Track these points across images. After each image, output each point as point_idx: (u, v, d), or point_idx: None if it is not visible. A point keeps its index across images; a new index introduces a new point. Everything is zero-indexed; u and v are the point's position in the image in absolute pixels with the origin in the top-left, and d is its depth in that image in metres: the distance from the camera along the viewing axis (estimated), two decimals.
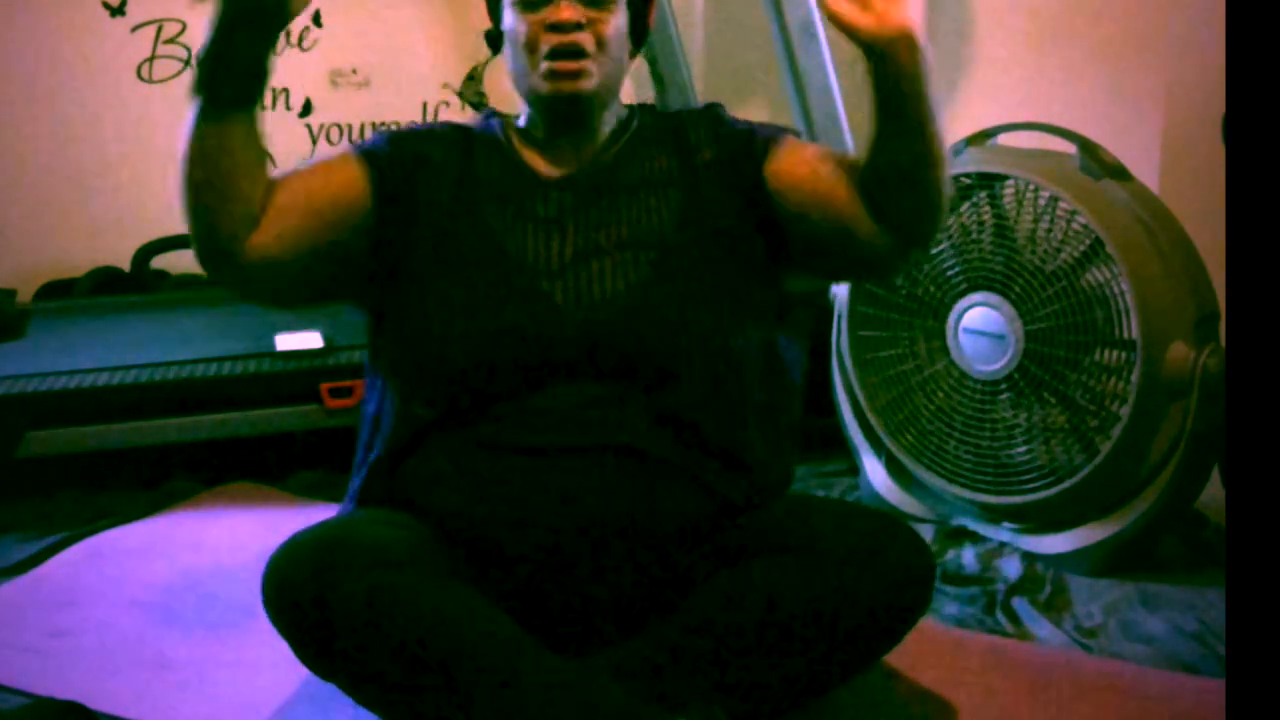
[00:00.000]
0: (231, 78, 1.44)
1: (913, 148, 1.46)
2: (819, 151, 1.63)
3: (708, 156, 1.61)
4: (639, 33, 1.64)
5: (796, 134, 1.67)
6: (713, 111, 1.68)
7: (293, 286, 1.58)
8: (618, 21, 1.57)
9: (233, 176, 1.47)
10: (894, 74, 1.44)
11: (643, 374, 1.49)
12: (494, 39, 1.66)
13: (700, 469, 1.48)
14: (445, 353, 1.50)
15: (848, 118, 2.36)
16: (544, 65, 1.54)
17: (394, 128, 1.71)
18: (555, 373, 1.49)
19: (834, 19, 1.41)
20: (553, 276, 1.52)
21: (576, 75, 1.54)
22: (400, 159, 1.59)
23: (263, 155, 1.50)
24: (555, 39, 1.53)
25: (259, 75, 1.47)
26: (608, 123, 1.62)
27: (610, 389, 1.48)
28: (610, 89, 1.60)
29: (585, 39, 1.54)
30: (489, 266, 1.53)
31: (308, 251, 1.53)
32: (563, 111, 1.58)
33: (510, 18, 1.58)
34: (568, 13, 1.53)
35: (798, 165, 1.57)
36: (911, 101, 1.45)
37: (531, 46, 1.55)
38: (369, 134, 3.26)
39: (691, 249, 1.55)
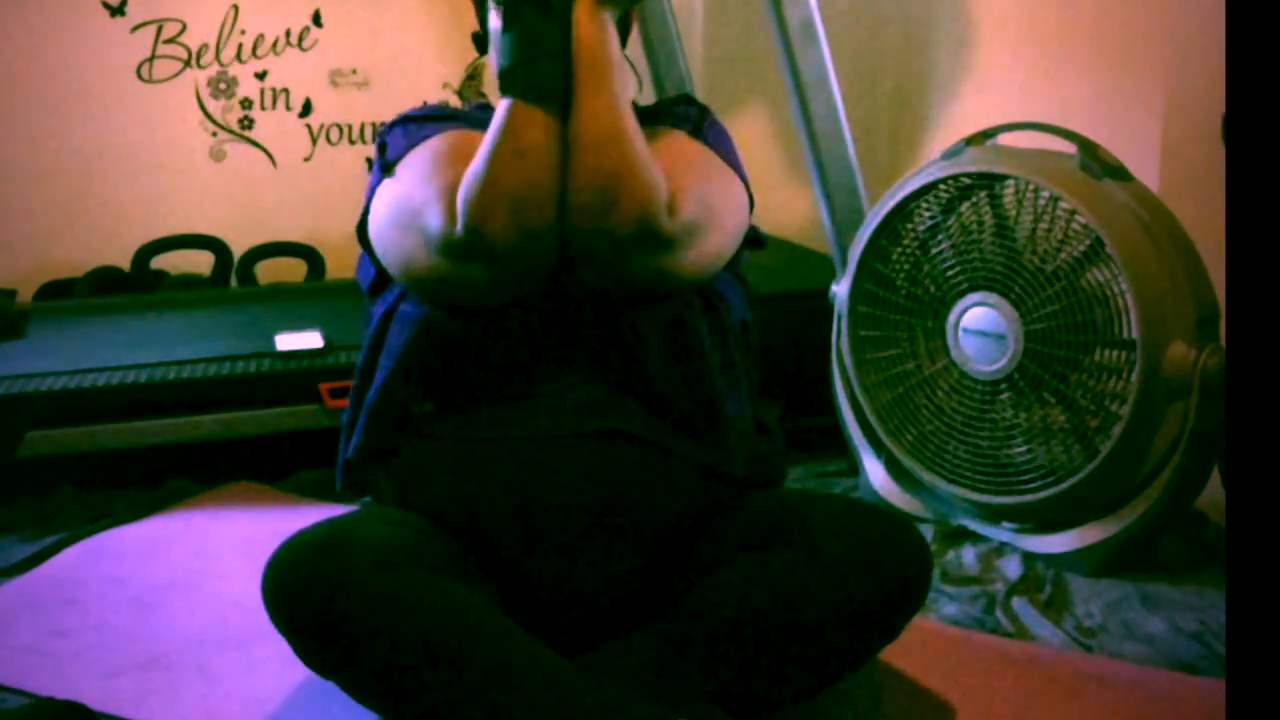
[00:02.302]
0: (548, 67, 1.49)
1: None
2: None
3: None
4: (623, 30, 1.62)
5: (704, 113, 1.70)
6: (684, 99, 1.72)
7: None
8: None
9: (557, 175, 1.49)
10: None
11: (611, 354, 1.52)
12: (481, 40, 1.67)
13: (679, 442, 1.50)
14: (438, 347, 1.53)
15: (848, 118, 2.36)
16: None
17: (407, 113, 1.71)
18: (544, 355, 1.52)
19: None
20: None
21: None
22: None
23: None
24: None
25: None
26: None
27: (592, 375, 1.51)
28: None
29: None
30: None
31: None
32: None
33: (495, 20, 1.58)
34: None
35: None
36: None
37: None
38: (369, 134, 3.28)
39: None
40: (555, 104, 1.49)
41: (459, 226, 1.45)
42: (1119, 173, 1.93)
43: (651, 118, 1.63)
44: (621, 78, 1.51)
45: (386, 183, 1.59)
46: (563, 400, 1.51)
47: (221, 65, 3.18)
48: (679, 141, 1.60)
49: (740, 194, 1.64)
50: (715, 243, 1.57)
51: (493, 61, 1.62)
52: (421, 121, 1.64)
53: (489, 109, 1.69)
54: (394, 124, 1.67)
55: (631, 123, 1.49)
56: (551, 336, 1.53)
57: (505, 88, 1.50)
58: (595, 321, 1.53)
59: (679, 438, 1.51)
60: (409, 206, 1.52)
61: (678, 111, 1.70)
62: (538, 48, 1.48)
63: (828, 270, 2.43)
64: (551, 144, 1.48)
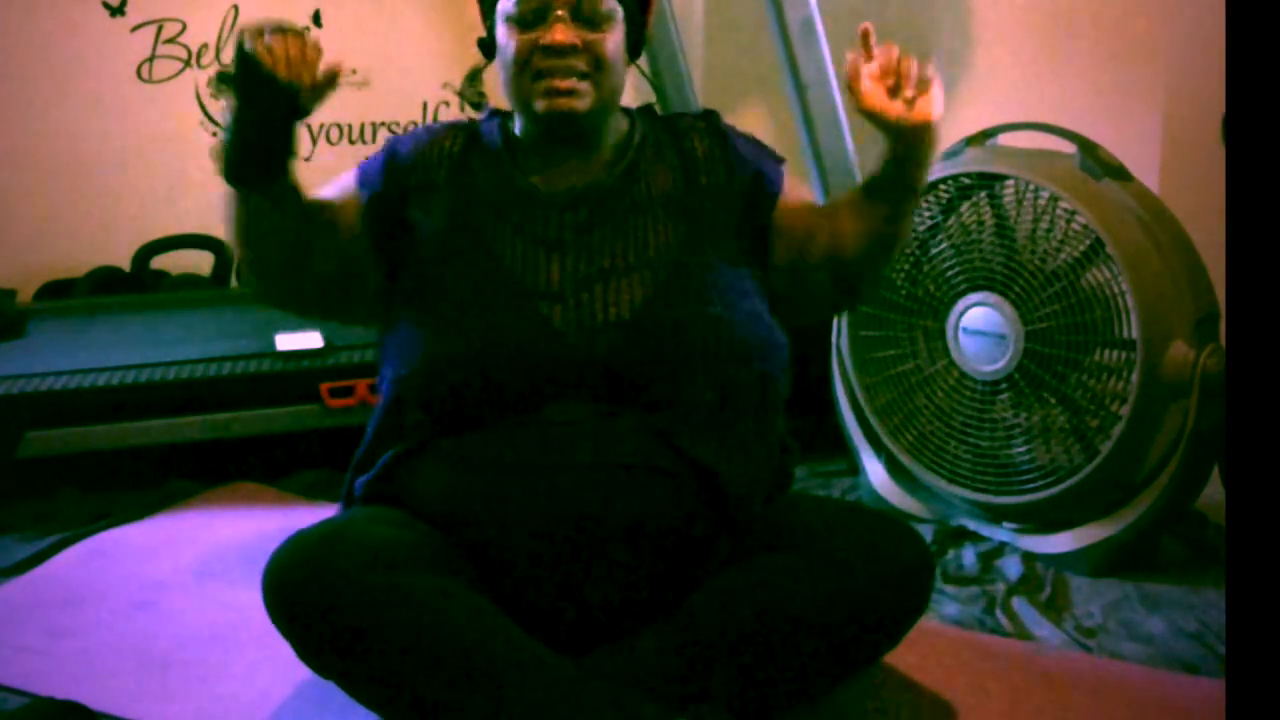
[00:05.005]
0: (253, 164, 1.47)
1: (896, 227, 1.57)
2: (806, 203, 1.67)
3: (715, 179, 1.59)
4: (635, 43, 1.61)
5: (782, 162, 1.68)
6: (714, 123, 1.66)
7: (325, 300, 1.64)
8: (615, 39, 1.54)
9: (276, 239, 1.54)
10: (910, 160, 1.51)
11: (641, 398, 1.47)
12: (487, 46, 1.62)
13: (689, 488, 1.46)
14: (443, 373, 1.49)
15: (848, 118, 2.36)
16: (537, 84, 1.51)
17: (398, 134, 1.70)
18: (554, 393, 1.47)
19: (865, 107, 1.48)
20: (552, 299, 1.50)
21: (571, 94, 1.51)
22: (392, 192, 1.59)
23: (301, 210, 1.54)
24: (549, 63, 1.51)
25: (281, 158, 1.48)
26: (609, 135, 1.60)
27: (609, 409, 1.47)
28: (608, 104, 1.57)
29: (580, 63, 1.51)
30: (487, 287, 1.51)
31: (338, 269, 1.59)
32: (558, 130, 1.55)
33: (503, 33, 1.55)
34: (562, 35, 1.50)
35: (792, 221, 1.62)
36: (913, 188, 1.55)
37: (523, 66, 1.52)
38: (369, 134, 3.28)
39: (695, 272, 1.53)
40: (258, 190, 1.49)
41: None
42: (1119, 173, 1.93)
43: (672, 129, 1.65)
44: None
45: None
46: (576, 430, 1.46)
47: (221, 65, 3.17)
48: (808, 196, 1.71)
49: None
50: None
51: (499, 69, 1.59)
52: (392, 154, 1.64)
53: (495, 114, 1.67)
54: (384, 148, 1.67)
55: None
56: (567, 379, 1.48)
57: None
58: (631, 370, 1.48)
59: (689, 484, 1.46)
60: None
61: (757, 155, 1.68)
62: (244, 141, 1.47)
63: None
64: (260, 219, 1.51)
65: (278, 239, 1.54)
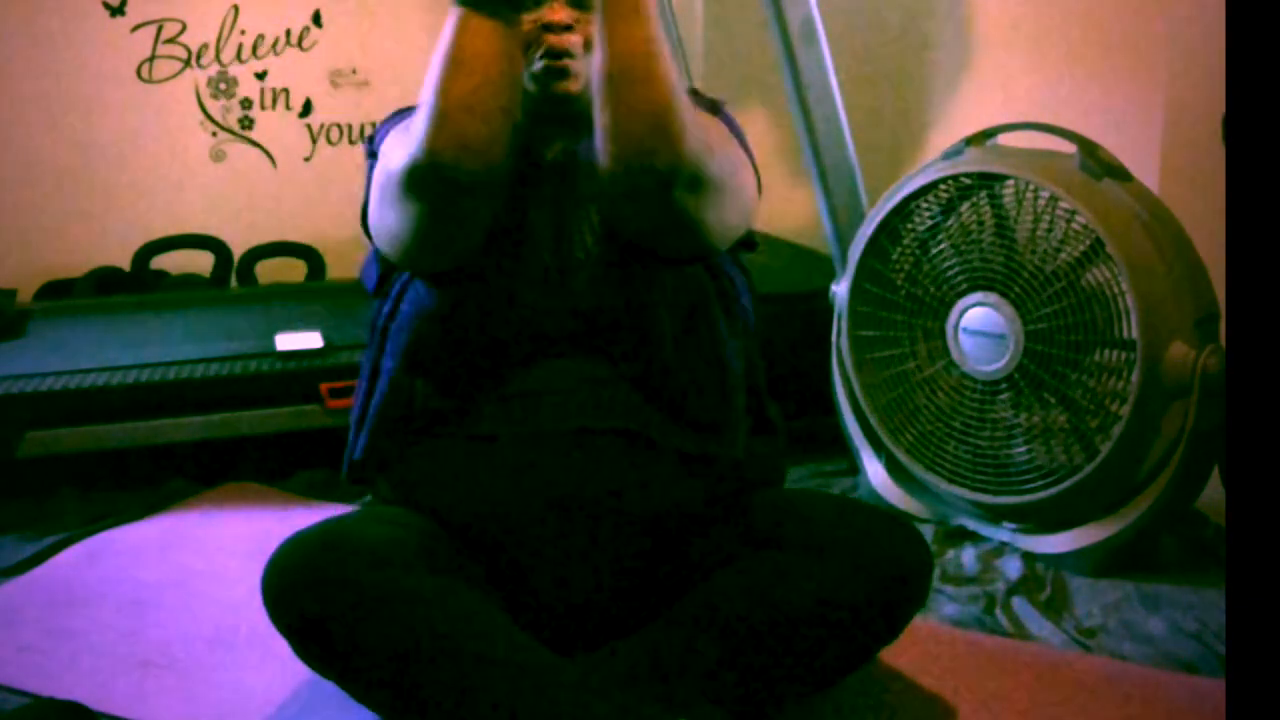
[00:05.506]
0: None
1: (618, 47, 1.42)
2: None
3: None
4: None
5: (715, 103, 1.69)
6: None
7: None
8: None
9: (504, 83, 1.45)
10: None
11: (622, 342, 1.52)
12: None
13: (685, 442, 1.50)
14: (452, 317, 1.53)
15: (848, 118, 2.36)
16: (537, 64, 1.58)
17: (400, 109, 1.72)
18: (549, 343, 1.52)
19: None
20: (545, 247, 1.56)
21: (565, 75, 1.58)
22: None
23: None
24: (550, 39, 1.57)
25: None
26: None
27: (598, 365, 1.51)
28: None
29: (574, 40, 1.57)
30: (497, 239, 1.56)
31: None
32: (551, 110, 1.61)
33: None
34: (560, 14, 1.57)
35: None
36: None
37: (526, 45, 1.58)
38: (369, 134, 3.28)
39: None
40: (500, 12, 1.44)
41: (415, 154, 1.43)
42: (1119, 173, 1.93)
43: None
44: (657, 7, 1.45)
45: (375, 168, 1.61)
46: (567, 398, 1.51)
47: (221, 65, 3.18)
48: (700, 111, 1.60)
49: (752, 175, 1.65)
50: (738, 206, 1.57)
51: None
52: (411, 109, 1.66)
53: None
54: (386, 119, 1.69)
55: (670, 56, 1.44)
56: (558, 329, 1.53)
57: None
58: (606, 310, 1.54)
59: (683, 430, 1.51)
60: (386, 171, 1.53)
61: (694, 94, 1.71)
62: None
63: (828, 270, 2.43)
64: (495, 53, 1.44)
65: (497, 75, 1.44)
